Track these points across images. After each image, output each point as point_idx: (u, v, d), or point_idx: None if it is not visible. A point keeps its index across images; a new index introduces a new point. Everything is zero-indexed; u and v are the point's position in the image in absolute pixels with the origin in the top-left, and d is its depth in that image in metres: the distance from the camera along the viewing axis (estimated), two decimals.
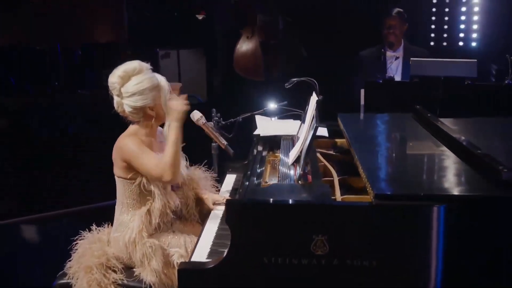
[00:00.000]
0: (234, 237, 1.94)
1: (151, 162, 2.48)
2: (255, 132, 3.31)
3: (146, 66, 2.59)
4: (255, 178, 2.50)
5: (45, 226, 4.38)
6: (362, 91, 4.02)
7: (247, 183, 2.44)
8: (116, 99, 2.57)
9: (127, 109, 2.57)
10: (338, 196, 2.35)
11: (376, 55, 4.65)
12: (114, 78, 2.53)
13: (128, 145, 2.52)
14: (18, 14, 5.18)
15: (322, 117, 2.50)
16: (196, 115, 2.81)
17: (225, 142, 2.83)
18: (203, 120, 2.82)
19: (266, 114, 3.49)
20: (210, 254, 2.21)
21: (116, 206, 2.69)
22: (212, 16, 6.47)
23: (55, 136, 5.12)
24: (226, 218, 1.96)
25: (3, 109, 5.21)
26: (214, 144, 3.32)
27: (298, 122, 3.11)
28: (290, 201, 1.98)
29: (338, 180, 2.52)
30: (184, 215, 2.81)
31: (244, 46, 6.09)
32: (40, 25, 5.27)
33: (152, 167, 2.48)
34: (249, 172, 2.61)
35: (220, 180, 3.15)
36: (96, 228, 2.73)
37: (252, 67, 6.02)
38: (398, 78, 4.55)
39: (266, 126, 3.28)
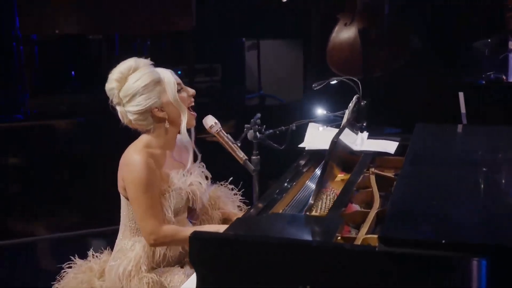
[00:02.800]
0: (199, 282, 1.82)
1: (146, 213, 2.46)
2: (301, 145, 3.15)
3: (144, 61, 2.56)
4: (263, 204, 2.35)
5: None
6: (461, 95, 3.67)
7: (252, 210, 2.31)
8: (118, 109, 2.56)
9: (132, 117, 2.54)
10: (361, 235, 2.14)
11: (494, 46, 4.23)
12: (110, 83, 2.53)
13: (135, 169, 2.47)
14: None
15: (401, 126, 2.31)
16: (209, 121, 2.72)
17: (244, 157, 2.70)
18: (218, 127, 2.72)
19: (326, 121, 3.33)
20: None
21: (119, 229, 2.69)
22: None
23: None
24: (189, 256, 1.88)
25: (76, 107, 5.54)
26: (254, 158, 3.25)
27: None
28: (263, 237, 1.86)
29: (377, 212, 2.36)
30: None
31: (341, 35, 5.92)
32: (98, 13, 5.51)
33: (142, 220, 2.47)
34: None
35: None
36: (93, 254, 2.74)
37: (348, 61, 5.85)
38: None
39: (315, 136, 3.13)
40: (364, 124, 2.84)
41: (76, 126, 5.29)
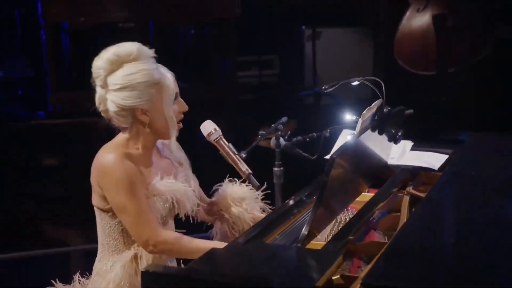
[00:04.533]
0: None
1: (137, 219, 2.38)
2: (328, 156, 2.98)
3: (148, 53, 2.45)
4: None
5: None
6: None
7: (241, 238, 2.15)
8: (98, 91, 2.45)
9: (112, 108, 2.43)
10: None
11: None
12: (100, 61, 2.41)
13: (112, 170, 2.39)
14: None
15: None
16: (208, 126, 2.57)
17: (247, 170, 2.53)
18: (218, 135, 2.56)
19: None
20: None
21: (98, 249, 2.60)
22: None
23: None
24: None
25: None
26: (276, 169, 3.13)
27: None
28: (218, 276, 1.76)
29: None
30: None
31: (412, 22, 5.70)
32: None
33: (134, 228, 2.40)
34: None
35: None
36: (79, 280, 2.64)
37: (419, 54, 5.64)
38: None
39: None
40: (400, 134, 2.62)
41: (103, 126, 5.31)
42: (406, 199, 2.56)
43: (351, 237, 2.14)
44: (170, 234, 2.44)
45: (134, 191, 2.39)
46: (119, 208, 2.41)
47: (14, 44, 6.05)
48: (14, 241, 4.55)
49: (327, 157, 2.98)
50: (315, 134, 3.19)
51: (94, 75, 2.44)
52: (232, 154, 2.55)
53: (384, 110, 2.33)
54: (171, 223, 2.57)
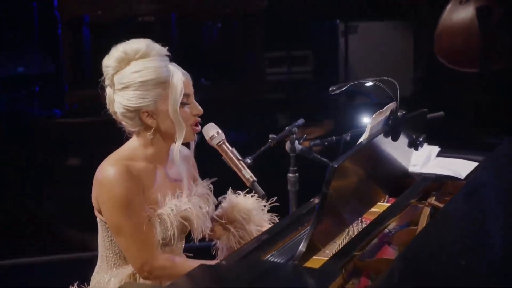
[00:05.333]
0: None
1: (133, 241, 2.36)
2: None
3: (159, 50, 2.41)
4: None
5: None
6: None
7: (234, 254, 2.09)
8: (108, 91, 2.44)
9: (118, 109, 2.41)
10: None
11: None
12: (110, 60, 2.39)
13: (109, 186, 2.35)
14: None
15: None
16: (210, 130, 2.49)
17: (252, 178, 2.44)
18: (220, 139, 2.48)
19: None
20: None
21: (98, 258, 2.59)
22: None
23: None
24: None
25: None
26: (291, 175, 3.12)
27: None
28: None
29: None
30: None
31: (454, 15, 5.55)
32: None
33: (129, 250, 2.38)
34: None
35: None
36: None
37: (461, 50, 5.47)
38: None
39: None
40: (421, 139, 2.52)
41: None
42: (427, 211, 2.49)
43: (356, 253, 2.05)
44: (167, 259, 2.40)
45: (132, 211, 2.35)
46: (114, 228, 2.39)
47: (32, 38, 6.08)
48: (29, 244, 4.59)
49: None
50: (334, 138, 3.14)
51: (104, 73, 2.42)
52: (236, 160, 2.46)
53: (399, 113, 2.22)
54: (180, 245, 2.53)
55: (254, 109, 5.97)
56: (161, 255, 2.39)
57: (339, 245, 2.31)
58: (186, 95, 2.39)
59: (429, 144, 2.99)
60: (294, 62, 6.76)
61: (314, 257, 2.10)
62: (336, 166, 1.86)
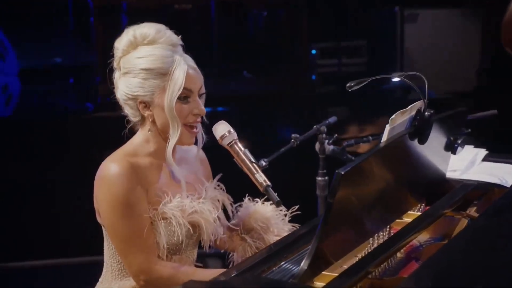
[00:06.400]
0: None
1: (130, 246, 2.34)
2: None
3: (171, 38, 2.39)
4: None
5: None
6: None
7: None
8: (115, 75, 2.45)
9: (120, 96, 2.42)
10: None
11: None
12: (120, 42, 2.41)
13: (109, 184, 2.34)
14: None
15: None
16: (221, 129, 2.42)
17: (265, 182, 2.35)
18: (232, 138, 2.41)
19: None
20: None
21: (103, 267, 2.57)
22: None
23: None
24: None
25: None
26: (320, 179, 3.11)
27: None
28: None
29: None
30: None
31: None
32: None
33: (125, 256, 2.37)
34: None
35: None
36: None
37: None
38: None
39: None
40: (459, 142, 2.41)
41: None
42: (464, 224, 2.40)
43: (372, 270, 1.96)
44: (169, 268, 2.37)
45: (132, 212, 2.33)
46: (111, 229, 2.38)
47: (67, 27, 6.14)
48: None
49: None
50: (371, 138, 3.07)
51: (114, 53, 2.43)
52: (248, 162, 2.38)
53: (426, 113, 2.12)
54: (191, 254, 2.49)
55: (301, 105, 5.90)
56: (162, 263, 2.36)
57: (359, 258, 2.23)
58: (187, 90, 2.35)
59: (476, 146, 2.92)
60: (346, 53, 6.69)
61: (326, 272, 2.01)
62: (342, 173, 1.77)
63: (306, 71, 6.39)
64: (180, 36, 2.42)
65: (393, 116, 2.06)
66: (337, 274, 1.95)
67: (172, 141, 2.36)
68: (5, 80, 6.46)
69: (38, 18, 6.10)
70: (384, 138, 2.03)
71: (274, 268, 2.12)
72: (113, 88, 2.45)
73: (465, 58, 6.60)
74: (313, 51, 6.54)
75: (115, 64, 2.42)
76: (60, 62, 6.32)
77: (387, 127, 2.03)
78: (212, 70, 5.55)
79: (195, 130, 2.41)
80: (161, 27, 2.39)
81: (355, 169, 1.85)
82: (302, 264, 1.86)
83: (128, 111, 2.42)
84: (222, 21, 5.69)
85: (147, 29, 2.37)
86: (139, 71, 2.34)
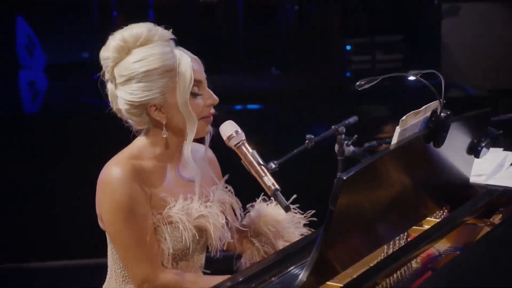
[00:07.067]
0: None
1: (133, 253, 2.34)
2: None
3: (163, 34, 2.35)
4: None
5: None
6: None
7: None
8: (109, 87, 2.41)
9: (122, 107, 2.38)
10: None
11: None
12: (107, 51, 2.36)
13: (111, 188, 2.33)
14: None
15: None
16: (228, 128, 2.38)
17: (274, 186, 2.30)
18: (240, 139, 2.37)
19: None
20: None
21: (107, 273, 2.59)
22: None
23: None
24: None
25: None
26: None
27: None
28: None
29: None
30: None
31: None
32: None
33: (128, 263, 2.36)
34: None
35: None
36: None
37: None
38: None
39: None
40: (483, 144, 2.36)
41: None
42: (486, 231, 2.36)
43: (380, 281, 1.92)
44: (174, 275, 2.36)
45: (135, 218, 2.32)
46: (113, 236, 2.37)
47: (92, 22, 6.17)
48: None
49: None
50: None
51: (103, 66, 2.38)
52: (256, 165, 2.34)
53: (442, 114, 2.06)
54: (198, 259, 2.49)
55: (333, 103, 5.85)
56: (166, 270, 2.35)
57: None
58: (197, 82, 2.34)
59: (505, 149, 2.87)
60: (382, 49, 6.65)
61: (331, 283, 2.00)
62: (344, 178, 1.72)
63: (341, 67, 6.35)
64: (171, 30, 2.36)
65: (404, 117, 2.01)
66: (341, 285, 1.92)
67: (190, 138, 2.34)
68: (32, 76, 6.54)
69: (64, 13, 6.15)
70: (394, 140, 1.98)
71: (280, 275, 2.11)
72: (110, 103, 2.39)
73: (509, 54, 6.55)
74: (348, 47, 6.54)
75: (106, 76, 2.36)
76: (90, 57, 6.35)
77: (398, 129, 1.98)
78: (239, 67, 5.57)
79: (210, 118, 2.41)
80: (150, 25, 2.35)
81: (359, 173, 1.81)
82: (301, 275, 1.83)
83: (133, 120, 2.38)
84: (250, 15, 5.68)
85: (137, 29, 2.32)
86: (142, 75, 2.30)
